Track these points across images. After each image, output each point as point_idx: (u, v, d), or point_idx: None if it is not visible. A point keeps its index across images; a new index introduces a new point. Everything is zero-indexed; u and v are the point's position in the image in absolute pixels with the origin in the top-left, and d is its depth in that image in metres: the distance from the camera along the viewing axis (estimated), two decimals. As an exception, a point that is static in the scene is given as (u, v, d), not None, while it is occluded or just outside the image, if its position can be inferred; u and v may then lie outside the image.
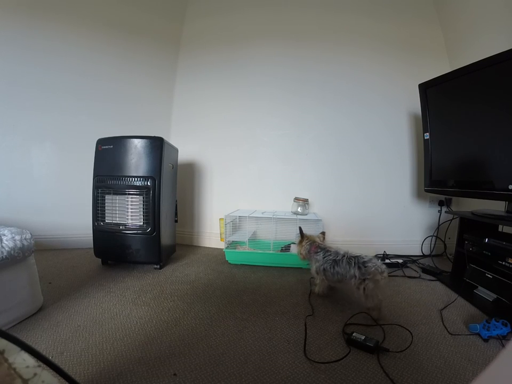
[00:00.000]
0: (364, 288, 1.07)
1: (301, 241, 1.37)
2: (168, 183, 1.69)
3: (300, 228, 1.40)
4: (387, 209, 2.06)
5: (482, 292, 1.27)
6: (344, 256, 1.17)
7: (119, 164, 1.56)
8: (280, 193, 2.12)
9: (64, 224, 1.99)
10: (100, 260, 1.68)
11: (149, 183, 1.54)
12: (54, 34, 1.91)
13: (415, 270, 1.71)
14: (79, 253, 1.87)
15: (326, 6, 2.11)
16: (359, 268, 1.09)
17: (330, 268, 1.19)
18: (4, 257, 0.92)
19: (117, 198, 1.58)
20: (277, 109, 2.14)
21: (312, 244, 1.32)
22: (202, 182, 2.26)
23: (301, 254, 1.35)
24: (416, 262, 1.86)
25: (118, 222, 1.58)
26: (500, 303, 1.17)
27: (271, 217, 1.77)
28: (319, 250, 1.28)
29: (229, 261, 1.80)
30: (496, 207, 1.45)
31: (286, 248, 1.79)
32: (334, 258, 1.19)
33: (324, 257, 1.23)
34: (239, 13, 2.22)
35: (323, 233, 1.41)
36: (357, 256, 1.14)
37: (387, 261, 1.76)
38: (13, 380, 0.23)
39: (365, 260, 1.11)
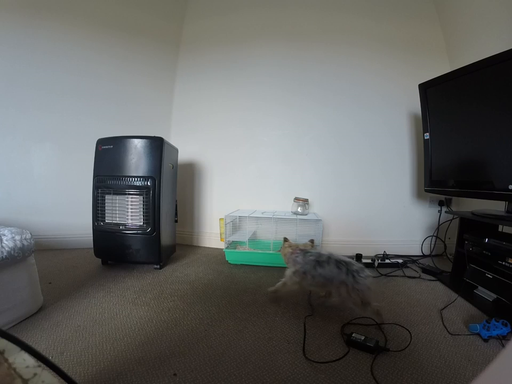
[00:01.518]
0: (355, 298, 1.02)
1: (283, 246, 1.33)
2: (168, 183, 1.69)
3: (284, 238, 1.35)
4: (387, 209, 2.06)
5: (482, 292, 1.27)
6: (329, 257, 1.09)
7: (119, 164, 1.56)
8: (280, 193, 2.12)
9: (64, 224, 1.99)
10: (100, 260, 1.68)
11: (149, 183, 1.54)
12: (54, 34, 1.91)
13: (415, 270, 1.71)
14: (79, 253, 1.87)
15: (326, 6, 2.11)
16: (353, 276, 1.02)
17: (312, 269, 1.10)
18: (4, 257, 0.92)
19: (117, 198, 1.58)
20: (277, 109, 2.14)
21: (295, 248, 1.25)
22: (202, 182, 2.26)
23: (284, 256, 1.29)
24: (416, 262, 1.86)
25: (118, 222, 1.58)
26: (499, 303, 1.17)
27: (271, 217, 1.77)
28: (298, 252, 1.20)
29: (229, 261, 1.80)
30: (496, 207, 1.45)
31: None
32: (317, 259, 1.11)
33: (304, 259, 1.14)
34: (239, 13, 2.22)
35: (312, 240, 1.34)
36: (347, 263, 1.06)
37: (387, 261, 1.76)
38: (13, 380, 0.23)
39: (357, 268, 1.04)
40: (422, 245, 2.05)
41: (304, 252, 1.19)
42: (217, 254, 1.97)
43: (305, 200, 1.92)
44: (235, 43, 2.21)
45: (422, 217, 2.07)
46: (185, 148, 2.15)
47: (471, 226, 1.44)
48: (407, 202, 2.08)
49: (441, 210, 2.02)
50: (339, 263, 1.06)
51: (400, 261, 1.78)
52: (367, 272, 1.05)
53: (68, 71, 1.97)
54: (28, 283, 1.04)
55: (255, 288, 1.40)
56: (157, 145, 1.56)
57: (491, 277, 1.22)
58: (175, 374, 0.77)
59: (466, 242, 1.37)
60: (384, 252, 1.92)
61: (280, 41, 2.14)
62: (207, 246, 2.23)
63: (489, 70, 1.28)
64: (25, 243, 1.00)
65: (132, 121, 2.17)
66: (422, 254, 2.03)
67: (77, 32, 1.98)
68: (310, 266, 1.11)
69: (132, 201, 1.57)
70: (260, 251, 1.76)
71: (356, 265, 1.06)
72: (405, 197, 2.08)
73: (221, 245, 1.96)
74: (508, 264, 1.12)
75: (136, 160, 1.55)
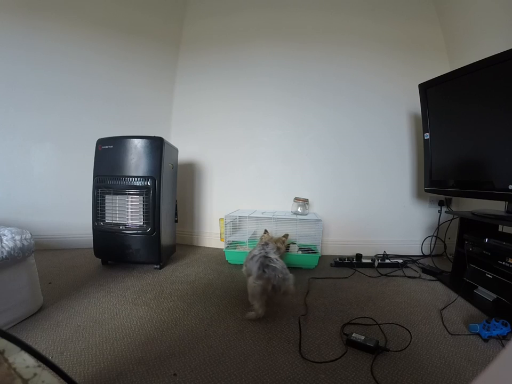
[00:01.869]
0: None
1: (260, 238, 1.38)
2: (168, 183, 1.69)
3: (265, 230, 1.44)
4: (387, 209, 2.06)
5: (482, 292, 1.27)
6: (260, 251, 1.13)
7: (119, 164, 1.56)
8: (280, 193, 2.12)
9: (64, 224, 1.99)
10: (100, 260, 1.68)
11: (149, 183, 1.54)
12: (54, 34, 1.91)
13: (415, 270, 1.71)
14: (79, 253, 1.86)
15: (326, 6, 2.11)
16: (258, 267, 1.04)
17: (247, 262, 1.16)
18: (4, 257, 0.92)
19: (117, 198, 1.58)
20: (277, 109, 2.14)
21: (265, 241, 1.28)
22: (202, 182, 2.26)
23: None
24: (416, 262, 1.86)
25: (118, 222, 1.58)
26: (500, 303, 1.17)
27: (271, 217, 1.77)
28: (260, 246, 1.22)
29: (229, 261, 1.80)
30: (496, 207, 1.45)
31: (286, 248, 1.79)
32: (254, 253, 1.14)
33: (250, 252, 1.19)
34: (239, 13, 2.22)
35: (285, 235, 1.40)
36: (265, 258, 1.07)
37: (387, 261, 1.76)
38: (13, 380, 0.23)
39: (272, 264, 1.04)
40: (422, 245, 2.05)
41: (257, 246, 1.23)
42: (217, 254, 1.97)
43: (305, 200, 1.92)
44: (235, 43, 2.21)
45: (422, 217, 2.07)
46: (185, 147, 2.15)
47: (471, 226, 1.44)
48: (407, 202, 2.08)
49: (441, 210, 2.02)
50: (260, 257, 1.09)
51: (400, 261, 1.78)
52: (278, 272, 1.03)
53: (68, 71, 1.97)
54: (27, 283, 1.04)
55: (255, 288, 1.40)
56: (157, 145, 1.56)
57: (491, 277, 1.22)
58: (175, 374, 0.77)
59: (466, 242, 1.37)
60: (384, 251, 1.92)
61: (280, 42, 2.14)
62: (207, 246, 2.23)
63: (489, 70, 1.28)
64: (25, 243, 1.00)
65: (132, 121, 2.17)
66: (422, 254, 2.03)
67: (77, 32, 1.98)
68: (247, 259, 1.18)
69: (132, 201, 1.57)
70: (259, 251, 1.76)
71: (276, 263, 1.05)
72: (405, 197, 2.08)
73: (221, 245, 1.96)
74: (508, 264, 1.12)
75: (136, 160, 1.55)
